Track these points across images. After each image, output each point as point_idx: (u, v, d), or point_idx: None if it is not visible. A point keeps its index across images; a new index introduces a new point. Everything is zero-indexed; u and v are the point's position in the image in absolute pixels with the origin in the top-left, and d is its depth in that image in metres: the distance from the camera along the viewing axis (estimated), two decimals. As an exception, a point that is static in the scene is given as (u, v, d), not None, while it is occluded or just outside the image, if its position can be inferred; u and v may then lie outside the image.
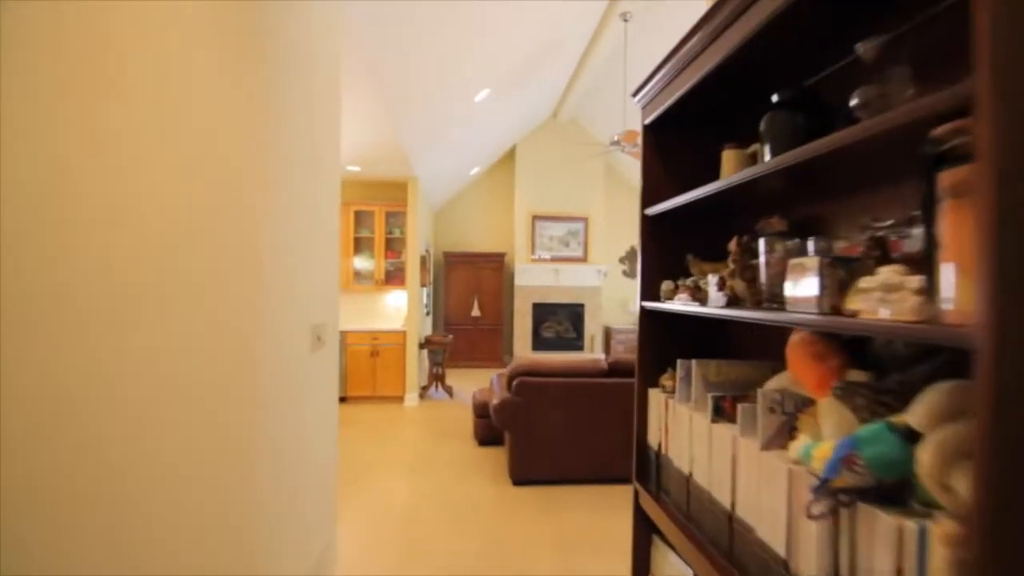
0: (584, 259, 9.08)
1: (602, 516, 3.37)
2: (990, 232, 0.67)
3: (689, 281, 1.65)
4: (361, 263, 6.70)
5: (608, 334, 9.23)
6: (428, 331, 7.98)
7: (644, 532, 1.88)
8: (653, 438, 1.80)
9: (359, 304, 6.82)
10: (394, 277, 6.72)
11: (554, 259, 9.02)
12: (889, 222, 1.13)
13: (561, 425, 3.86)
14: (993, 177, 0.67)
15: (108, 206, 0.98)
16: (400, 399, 6.37)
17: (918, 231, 1.01)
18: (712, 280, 1.46)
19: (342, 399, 6.25)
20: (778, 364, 1.51)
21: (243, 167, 1.54)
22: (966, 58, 0.74)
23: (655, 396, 1.80)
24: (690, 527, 1.49)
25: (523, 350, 8.89)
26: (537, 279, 8.94)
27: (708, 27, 1.43)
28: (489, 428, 4.67)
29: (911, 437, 0.84)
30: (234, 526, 1.51)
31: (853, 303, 0.98)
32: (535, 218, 8.97)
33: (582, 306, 9.08)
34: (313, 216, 2.18)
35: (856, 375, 1.06)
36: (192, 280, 1.25)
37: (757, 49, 1.36)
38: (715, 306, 1.42)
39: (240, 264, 1.52)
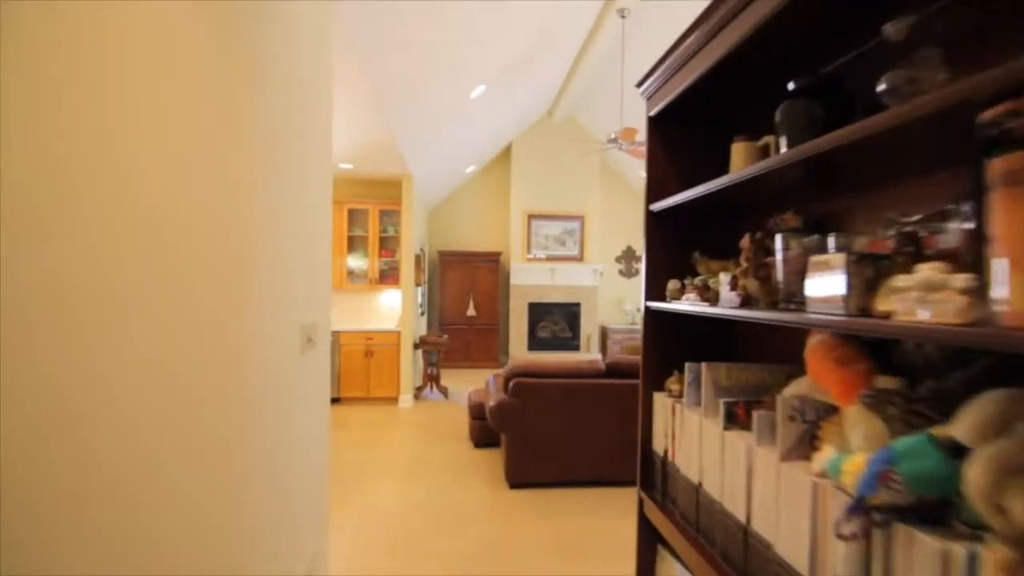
0: (580, 258, 9.01)
1: (601, 520, 3.30)
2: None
3: (697, 280, 1.57)
4: (355, 262, 6.59)
5: (604, 334, 9.16)
6: (423, 331, 7.89)
7: (649, 541, 1.80)
8: (659, 444, 1.72)
9: (353, 304, 6.72)
10: (388, 276, 6.63)
11: (550, 258, 8.94)
12: (917, 216, 1.05)
13: (559, 427, 3.78)
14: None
15: (98, 205, 0.96)
16: (394, 400, 6.27)
17: (954, 225, 0.93)
18: (724, 279, 1.38)
19: (335, 400, 6.15)
20: (792, 368, 1.43)
21: (231, 165, 1.47)
22: (1003, 37, 0.66)
23: (660, 400, 1.72)
24: (700, 540, 1.42)
25: (519, 350, 8.81)
26: (533, 278, 8.86)
27: (720, 10, 1.35)
28: (485, 430, 4.60)
29: (956, 451, 0.76)
30: (220, 528, 1.45)
31: (885, 304, 0.90)
32: (531, 217, 8.88)
33: (578, 306, 9.01)
34: (303, 214, 2.10)
35: (885, 381, 0.99)
36: (179, 280, 1.21)
37: (771, 35, 1.28)
38: (728, 307, 1.35)
39: (228, 264, 1.46)
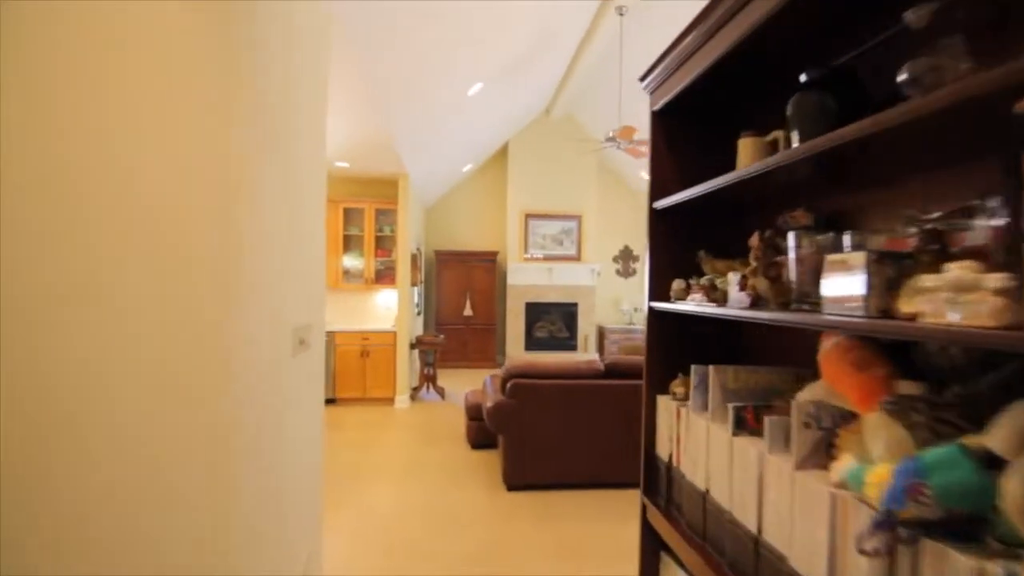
0: (578, 258, 8.96)
1: (600, 523, 3.25)
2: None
3: (704, 280, 1.52)
4: (350, 261, 6.53)
5: (602, 334, 9.12)
6: (419, 331, 7.83)
7: (652, 548, 1.75)
8: (662, 449, 1.67)
9: (348, 304, 6.66)
10: (384, 276, 6.56)
11: (547, 258, 8.89)
12: (938, 213, 1.01)
13: (557, 428, 3.73)
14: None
15: (96, 206, 0.96)
16: (391, 401, 6.21)
17: (981, 222, 0.88)
18: (733, 279, 1.33)
19: (331, 401, 6.09)
20: (801, 370, 1.39)
21: (220, 165, 1.43)
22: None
23: (664, 404, 1.67)
24: (707, 548, 1.37)
25: (516, 350, 8.76)
26: (530, 278, 8.81)
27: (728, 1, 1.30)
28: (482, 431, 4.54)
29: (990, 463, 0.71)
30: (212, 528, 1.43)
31: (910, 305, 0.85)
32: (528, 216, 8.83)
33: (575, 305, 8.96)
34: (296, 214, 2.05)
35: (906, 387, 0.94)
36: (171, 281, 1.20)
37: (784, 23, 1.23)
38: (737, 307, 1.30)
39: (216, 264, 1.42)
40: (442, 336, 6.80)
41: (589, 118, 8.51)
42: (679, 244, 1.78)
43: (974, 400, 0.84)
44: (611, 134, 5.53)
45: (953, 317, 0.76)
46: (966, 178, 1.03)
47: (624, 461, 3.70)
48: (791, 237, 1.18)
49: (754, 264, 1.31)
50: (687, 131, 1.77)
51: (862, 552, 0.82)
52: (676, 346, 1.76)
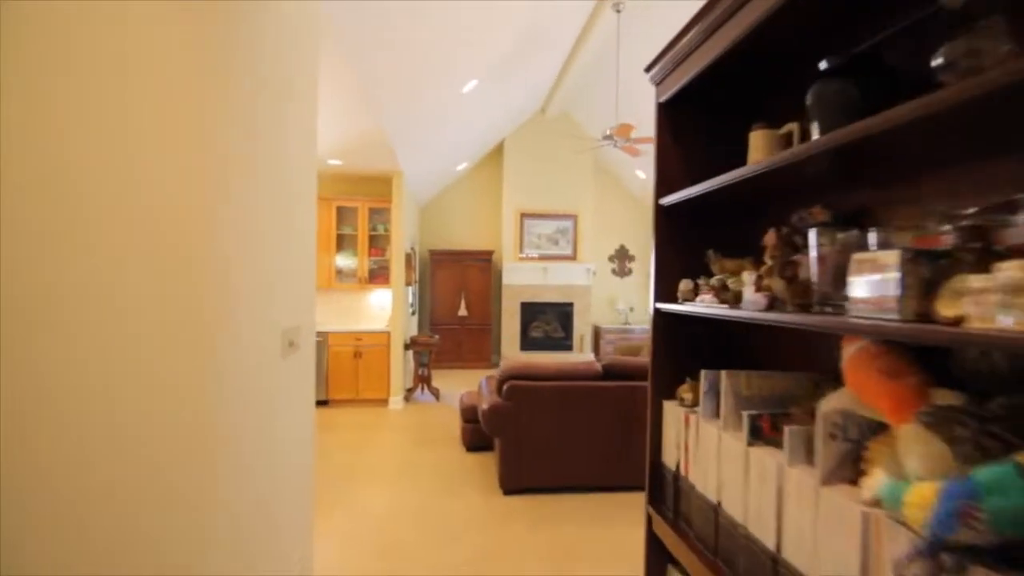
0: (573, 257, 8.89)
1: (599, 527, 3.18)
2: None
3: (714, 280, 1.44)
4: (343, 261, 6.42)
5: (597, 334, 9.06)
6: (413, 331, 7.74)
7: (658, 560, 1.68)
8: (669, 457, 1.60)
9: (342, 304, 6.56)
10: (378, 275, 6.47)
11: (543, 257, 8.82)
12: (973, 209, 0.93)
13: (554, 431, 3.66)
14: None
15: (93, 207, 0.98)
16: (384, 402, 6.12)
17: (1026, 218, 0.81)
18: (748, 280, 1.25)
19: (324, 402, 5.99)
20: (818, 376, 1.32)
21: (207, 164, 1.40)
22: None
23: (671, 410, 1.59)
24: (719, 564, 1.29)
25: (511, 350, 8.68)
26: (525, 278, 8.73)
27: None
28: (478, 433, 4.47)
29: (1052, 485, 0.64)
30: (201, 528, 1.42)
31: (951, 308, 0.78)
32: (523, 215, 8.75)
33: (571, 305, 8.89)
34: (285, 213, 1.98)
35: (943, 396, 0.87)
36: (154, 282, 1.20)
37: (800, 7, 1.16)
38: (753, 310, 1.22)
39: (203, 265, 1.39)
40: (437, 336, 6.71)
41: (585, 116, 8.44)
42: (685, 242, 1.71)
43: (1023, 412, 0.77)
44: (608, 132, 5.46)
45: (1005, 321, 0.68)
46: (1002, 171, 0.96)
47: (623, 464, 3.63)
48: (812, 235, 1.11)
49: (769, 263, 1.24)
50: (695, 123, 1.70)
51: (902, 579, 0.74)
52: (682, 349, 1.69)
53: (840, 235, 1.10)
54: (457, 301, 8.68)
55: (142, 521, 1.15)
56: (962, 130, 0.93)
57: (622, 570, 2.68)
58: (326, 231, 6.18)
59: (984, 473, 0.68)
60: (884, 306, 0.87)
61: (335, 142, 4.92)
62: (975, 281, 0.74)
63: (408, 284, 6.79)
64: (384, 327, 6.16)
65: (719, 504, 1.31)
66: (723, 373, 1.31)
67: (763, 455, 1.13)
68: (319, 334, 5.84)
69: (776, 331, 1.56)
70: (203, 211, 1.39)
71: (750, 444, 1.19)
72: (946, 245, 0.88)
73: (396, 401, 6.08)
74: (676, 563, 1.57)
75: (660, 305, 1.66)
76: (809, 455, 1.04)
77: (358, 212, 6.34)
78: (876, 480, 0.85)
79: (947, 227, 0.92)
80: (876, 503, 0.84)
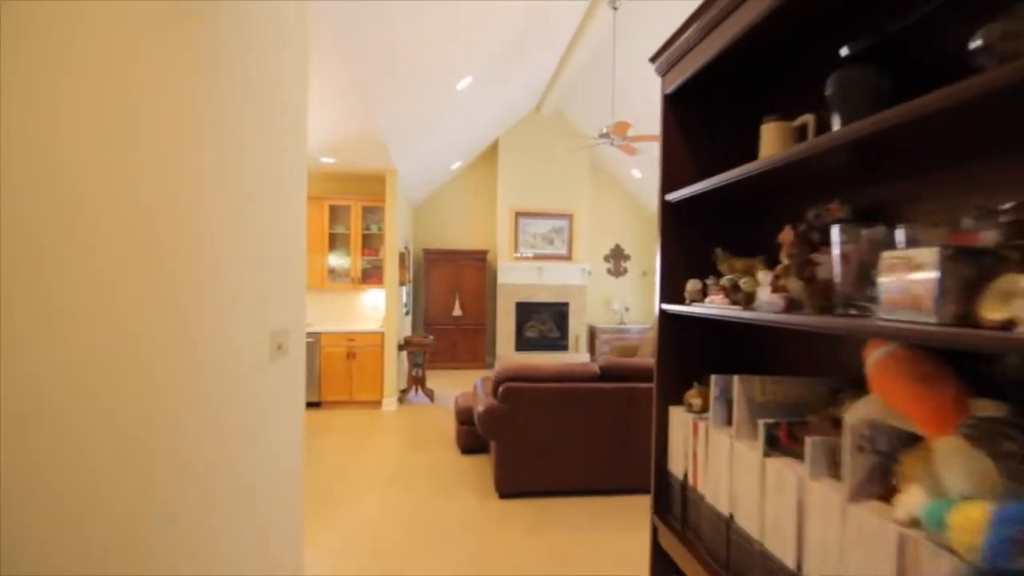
0: (568, 257, 8.83)
1: (597, 531, 3.11)
2: None
3: (724, 281, 1.38)
4: (336, 260, 6.33)
5: (592, 333, 9.00)
6: (407, 332, 7.64)
7: (664, 573, 1.61)
8: (676, 465, 1.53)
9: (334, 304, 6.46)
10: (371, 275, 6.37)
11: (538, 257, 8.75)
12: (1010, 204, 0.87)
13: (551, 433, 3.59)
14: None
15: (87, 205, 0.98)
16: (378, 404, 6.03)
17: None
18: (764, 280, 1.18)
19: (316, 404, 5.89)
20: (836, 381, 1.25)
21: (193, 164, 1.35)
22: None
23: (678, 416, 1.52)
24: (731, 581, 1.23)
25: (506, 350, 8.61)
26: (520, 277, 8.65)
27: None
28: (473, 435, 4.39)
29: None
30: (189, 528, 1.38)
31: (997, 310, 0.71)
32: (518, 215, 8.68)
33: (566, 305, 8.83)
34: (274, 213, 1.91)
35: (983, 406, 0.80)
36: (153, 282, 1.19)
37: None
38: (769, 311, 1.15)
39: (190, 267, 1.35)
40: (431, 337, 6.62)
41: (581, 115, 8.37)
42: (691, 241, 1.64)
43: (1076, 425, 0.70)
44: (604, 130, 5.39)
45: (1066, 327, 0.62)
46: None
47: (620, 467, 3.57)
48: (835, 231, 1.04)
49: (786, 262, 1.17)
50: (702, 116, 1.63)
51: (947, 610, 0.68)
52: (688, 352, 1.62)
53: (864, 232, 1.03)
54: (452, 301, 8.59)
55: (139, 522, 1.14)
56: (995, 119, 0.87)
57: (618, 573, 2.61)
58: (318, 230, 6.08)
59: (1045, 495, 0.62)
60: (920, 308, 0.80)
61: (327, 140, 4.83)
62: (1029, 282, 0.67)
63: (402, 284, 6.70)
64: (378, 327, 6.07)
65: (731, 517, 1.24)
66: (736, 379, 1.24)
67: (781, 466, 1.07)
68: (311, 335, 5.74)
69: (785, 334, 1.49)
70: (199, 211, 1.36)
71: (766, 454, 1.12)
72: (986, 242, 0.82)
73: (390, 402, 5.99)
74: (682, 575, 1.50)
75: (666, 306, 1.59)
76: (832, 467, 0.97)
77: (351, 211, 6.24)
78: (914, 498, 0.78)
79: (986, 223, 0.85)
80: (913, 523, 0.77)
